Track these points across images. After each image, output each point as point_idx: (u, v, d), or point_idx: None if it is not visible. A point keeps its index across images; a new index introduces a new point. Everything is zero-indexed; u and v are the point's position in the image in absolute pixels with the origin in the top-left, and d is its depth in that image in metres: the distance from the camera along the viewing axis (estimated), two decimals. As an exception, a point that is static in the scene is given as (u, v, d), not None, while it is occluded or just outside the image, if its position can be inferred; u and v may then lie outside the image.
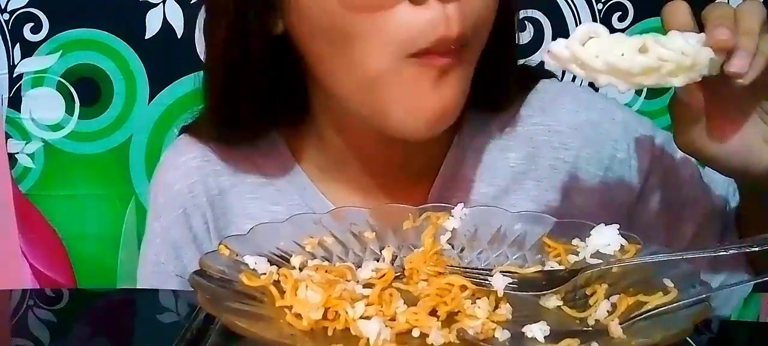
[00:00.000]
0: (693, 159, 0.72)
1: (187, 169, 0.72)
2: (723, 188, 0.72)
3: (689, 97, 0.55)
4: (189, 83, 0.93)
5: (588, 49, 0.50)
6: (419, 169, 0.70)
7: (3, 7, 0.90)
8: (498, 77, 0.68)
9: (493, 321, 0.49)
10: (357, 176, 0.70)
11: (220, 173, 0.72)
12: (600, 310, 0.50)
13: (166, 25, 0.92)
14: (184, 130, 0.76)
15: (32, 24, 0.91)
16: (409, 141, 0.63)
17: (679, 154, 0.72)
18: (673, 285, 0.49)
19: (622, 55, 0.49)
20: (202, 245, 0.72)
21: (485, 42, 0.62)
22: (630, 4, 0.98)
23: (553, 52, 0.51)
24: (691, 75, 0.51)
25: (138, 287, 0.77)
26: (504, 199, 0.70)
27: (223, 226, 0.72)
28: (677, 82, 0.51)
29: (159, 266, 0.74)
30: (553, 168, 0.71)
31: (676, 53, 0.50)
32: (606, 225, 0.56)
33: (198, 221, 0.72)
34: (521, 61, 0.76)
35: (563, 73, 0.97)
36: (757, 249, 0.50)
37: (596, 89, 0.95)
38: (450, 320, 0.49)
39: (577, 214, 0.66)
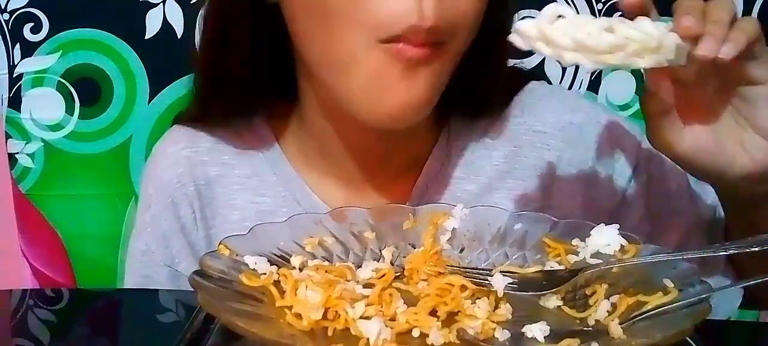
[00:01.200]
0: (681, 169, 0.72)
1: (176, 159, 0.73)
2: (712, 200, 0.72)
3: (657, 87, 0.54)
4: (189, 83, 0.93)
5: (555, 27, 0.51)
6: (404, 164, 0.71)
7: (3, 7, 0.90)
8: (487, 82, 0.68)
9: (493, 321, 0.49)
10: (341, 168, 0.71)
11: (208, 163, 0.72)
12: (600, 310, 0.50)
13: (166, 25, 0.92)
14: (175, 121, 0.76)
15: (32, 24, 0.91)
16: (377, 130, 0.63)
17: (668, 163, 0.72)
18: (673, 285, 0.49)
19: (589, 33, 0.50)
20: (190, 235, 0.72)
21: (466, 44, 0.61)
22: (630, 4, 0.98)
23: (521, 30, 0.52)
24: (657, 57, 0.51)
25: (125, 279, 0.77)
26: (487, 196, 0.70)
27: (210, 216, 0.72)
28: (643, 63, 0.51)
29: (148, 255, 0.74)
30: (536, 168, 0.71)
31: (642, 33, 0.50)
32: (606, 225, 0.56)
33: (186, 211, 0.72)
34: (514, 62, 0.76)
35: (562, 77, 0.97)
36: (756, 249, 0.50)
37: (596, 92, 0.96)
38: (450, 320, 0.49)
39: (559, 215, 0.66)
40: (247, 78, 0.68)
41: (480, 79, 0.67)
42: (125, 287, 0.78)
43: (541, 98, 0.73)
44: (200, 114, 0.73)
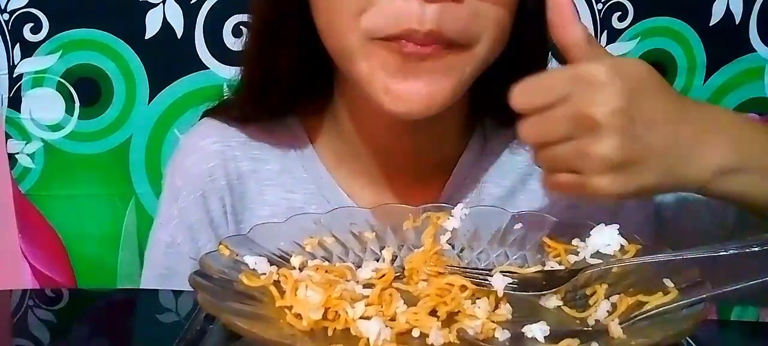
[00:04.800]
0: None
1: (208, 152, 0.72)
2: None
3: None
4: (189, 83, 0.93)
5: None
6: (434, 165, 0.71)
7: (3, 7, 0.90)
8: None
9: (493, 321, 0.49)
10: (370, 167, 0.71)
11: (240, 158, 0.72)
12: (600, 310, 0.50)
13: (166, 25, 0.92)
14: (205, 114, 0.76)
15: (32, 24, 0.91)
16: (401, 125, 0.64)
17: None
18: (673, 285, 0.49)
19: None
20: (219, 229, 0.72)
21: (494, 51, 0.61)
22: (630, 5, 0.98)
23: None
24: None
25: (144, 272, 0.77)
26: (511, 199, 0.70)
27: (241, 210, 0.72)
28: None
29: (173, 247, 0.73)
30: None
31: None
32: (606, 225, 0.56)
33: (216, 205, 0.72)
34: None
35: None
36: (756, 249, 0.50)
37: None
38: (450, 320, 0.49)
39: (584, 216, 0.66)
40: (293, 78, 0.68)
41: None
42: (144, 280, 0.77)
43: None
44: (242, 114, 0.72)
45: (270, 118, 0.72)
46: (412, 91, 0.58)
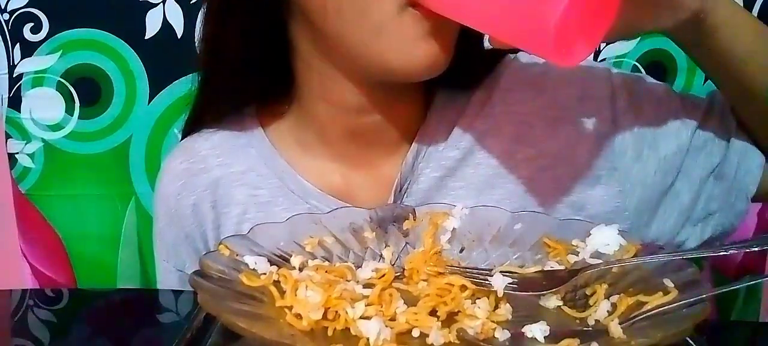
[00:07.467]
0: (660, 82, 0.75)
1: (175, 173, 0.76)
2: (705, 95, 0.74)
3: None
4: (189, 83, 0.93)
5: None
6: (394, 140, 0.72)
7: (3, 7, 0.90)
8: (468, 58, 0.69)
9: (493, 321, 0.49)
10: (338, 149, 0.72)
11: (207, 169, 0.75)
12: (600, 310, 0.50)
13: (166, 25, 0.92)
14: (182, 136, 0.79)
15: (32, 24, 0.91)
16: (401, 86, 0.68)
17: (647, 80, 0.74)
18: (673, 285, 0.49)
19: None
20: (195, 242, 0.75)
21: None
22: (630, 4, 0.98)
23: None
24: None
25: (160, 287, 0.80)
26: (470, 158, 0.71)
27: (215, 218, 0.75)
28: None
29: (163, 264, 0.77)
30: (511, 122, 0.72)
31: None
32: (606, 225, 0.56)
33: (187, 221, 0.75)
34: None
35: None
36: (756, 249, 0.50)
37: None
38: (450, 320, 0.49)
39: (549, 157, 0.69)
40: (243, 70, 0.71)
41: (464, 56, 0.68)
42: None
43: (508, 63, 0.75)
44: (199, 108, 0.76)
45: (225, 107, 0.75)
46: (438, 53, 0.62)
